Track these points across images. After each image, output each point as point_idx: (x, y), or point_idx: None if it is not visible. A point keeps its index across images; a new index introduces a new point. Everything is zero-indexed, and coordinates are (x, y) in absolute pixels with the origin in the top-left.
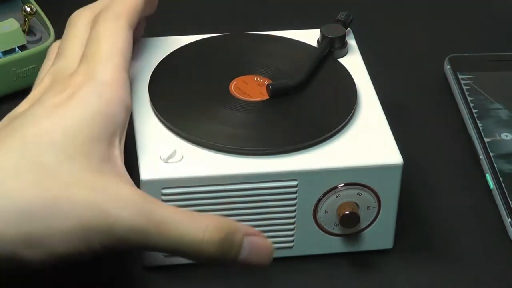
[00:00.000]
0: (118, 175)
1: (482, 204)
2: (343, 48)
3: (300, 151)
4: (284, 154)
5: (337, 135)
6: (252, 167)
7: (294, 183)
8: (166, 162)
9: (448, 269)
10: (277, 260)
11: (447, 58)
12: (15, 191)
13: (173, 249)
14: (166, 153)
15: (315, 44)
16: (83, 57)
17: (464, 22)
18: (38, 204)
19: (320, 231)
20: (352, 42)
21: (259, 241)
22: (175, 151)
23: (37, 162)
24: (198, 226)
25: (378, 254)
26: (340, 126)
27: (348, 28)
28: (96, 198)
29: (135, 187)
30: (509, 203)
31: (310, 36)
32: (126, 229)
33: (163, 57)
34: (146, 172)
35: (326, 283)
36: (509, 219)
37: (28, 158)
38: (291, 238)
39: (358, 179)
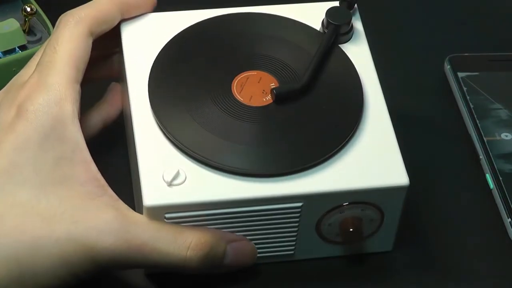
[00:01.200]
0: (96, 196)
1: (482, 204)
2: (348, 33)
3: (305, 172)
4: (289, 176)
5: (343, 151)
6: (256, 191)
7: (299, 204)
8: (170, 185)
9: (448, 269)
10: (276, 262)
11: (447, 58)
12: (1, 238)
13: (159, 267)
14: (170, 175)
15: (320, 22)
16: (37, 65)
17: (464, 22)
18: (22, 246)
19: (322, 240)
20: (358, 24)
21: (242, 246)
22: (178, 172)
23: (16, 202)
24: (181, 244)
25: (378, 256)
26: (346, 141)
27: (355, 6)
28: (76, 230)
29: (115, 208)
30: (509, 203)
31: (315, 12)
32: (109, 257)
33: (162, 46)
34: (149, 198)
35: (326, 285)
36: (509, 219)
37: (7, 199)
38: (292, 247)
39: (363, 198)
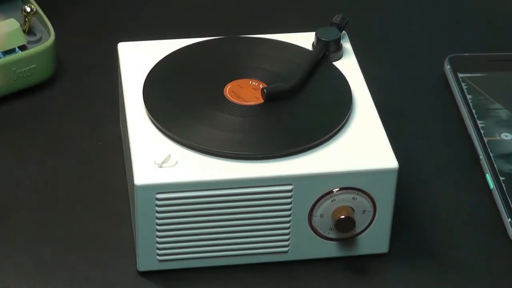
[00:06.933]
0: None
1: (482, 204)
2: (338, 51)
3: (295, 155)
4: (279, 159)
5: (332, 139)
6: (246, 172)
7: (289, 187)
8: (161, 167)
9: (448, 270)
10: (272, 265)
11: (447, 58)
12: None
13: None
14: (161, 158)
15: (310, 47)
16: None
17: (464, 22)
18: None
19: (315, 235)
20: (347, 45)
21: None
22: (169, 156)
23: None
24: None
25: (374, 258)
26: (335, 130)
27: (343, 31)
28: None
29: None
30: (509, 203)
31: (305, 39)
32: None
33: (157, 61)
34: (140, 177)
35: None
36: (509, 219)
37: None
38: (286, 243)
39: (353, 183)
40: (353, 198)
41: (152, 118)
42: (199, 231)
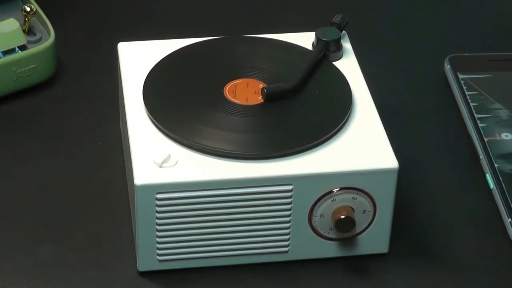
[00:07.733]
0: None
1: (482, 204)
2: (338, 51)
3: (295, 155)
4: (279, 158)
5: (332, 139)
6: (247, 172)
7: (289, 187)
8: (161, 166)
9: (447, 270)
10: (272, 265)
11: (447, 58)
12: None
13: None
14: (161, 158)
15: (310, 47)
16: None
17: (464, 22)
18: None
19: (315, 235)
20: (347, 45)
21: None
22: (169, 156)
23: None
24: None
25: (374, 258)
26: (335, 130)
27: (344, 31)
28: None
29: None
30: (509, 203)
31: (305, 39)
32: None
33: (157, 61)
34: (140, 177)
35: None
36: (509, 219)
37: None
38: (286, 243)
39: (353, 183)
40: (353, 198)
41: (152, 118)
42: (199, 231)
